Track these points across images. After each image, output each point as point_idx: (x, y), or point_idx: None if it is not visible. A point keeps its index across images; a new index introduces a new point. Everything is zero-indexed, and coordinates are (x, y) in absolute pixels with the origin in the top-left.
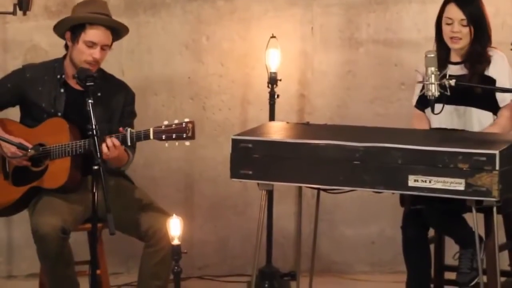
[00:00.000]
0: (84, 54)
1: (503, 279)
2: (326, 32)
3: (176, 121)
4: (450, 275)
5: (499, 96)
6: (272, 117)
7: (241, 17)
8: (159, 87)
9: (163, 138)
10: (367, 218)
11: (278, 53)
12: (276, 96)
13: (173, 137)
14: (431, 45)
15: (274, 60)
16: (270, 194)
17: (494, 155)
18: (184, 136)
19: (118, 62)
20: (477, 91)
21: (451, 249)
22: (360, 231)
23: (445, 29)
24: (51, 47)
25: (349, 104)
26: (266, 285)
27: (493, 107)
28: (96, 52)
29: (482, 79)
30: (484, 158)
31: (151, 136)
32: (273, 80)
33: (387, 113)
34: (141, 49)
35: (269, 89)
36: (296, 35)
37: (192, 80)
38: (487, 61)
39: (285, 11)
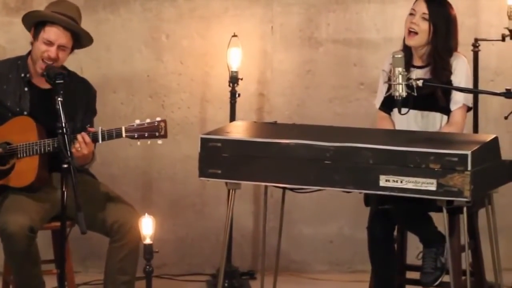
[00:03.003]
0: (40, 51)
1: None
2: (286, 31)
3: (148, 120)
4: (411, 275)
5: (453, 98)
6: (232, 116)
7: (201, 15)
8: (118, 85)
9: (136, 136)
10: (325, 217)
11: (240, 52)
12: (237, 95)
13: (146, 135)
14: (390, 46)
15: (235, 59)
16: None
17: (466, 155)
18: (157, 135)
19: (77, 59)
20: (441, 101)
21: (413, 248)
22: (318, 230)
23: (407, 20)
24: (9, 44)
25: (308, 103)
26: (226, 284)
27: None
28: (52, 51)
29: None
30: (456, 159)
31: (123, 135)
32: (234, 79)
33: (346, 113)
34: (100, 47)
35: (230, 88)
36: (256, 34)
37: (151, 78)
38: (449, 70)
39: (245, 9)
